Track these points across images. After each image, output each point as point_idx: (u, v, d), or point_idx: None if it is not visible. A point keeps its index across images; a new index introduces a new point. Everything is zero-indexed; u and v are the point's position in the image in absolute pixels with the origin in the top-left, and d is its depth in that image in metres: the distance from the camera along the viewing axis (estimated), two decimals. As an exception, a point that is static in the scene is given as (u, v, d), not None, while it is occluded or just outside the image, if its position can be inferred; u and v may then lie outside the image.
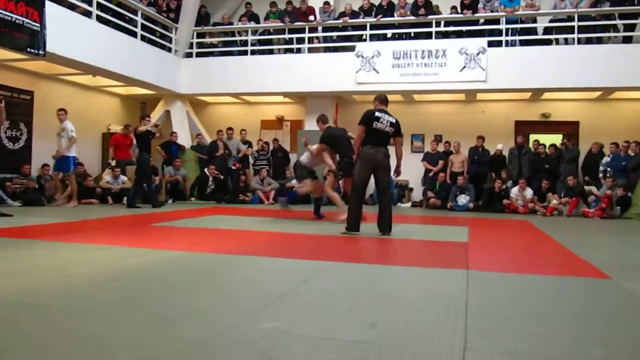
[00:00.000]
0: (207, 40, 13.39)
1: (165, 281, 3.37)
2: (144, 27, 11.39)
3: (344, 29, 12.46)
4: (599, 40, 11.10)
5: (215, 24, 13.27)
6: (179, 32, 12.69)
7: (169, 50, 12.41)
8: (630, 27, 10.99)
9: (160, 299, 2.89)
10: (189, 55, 12.89)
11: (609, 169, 10.56)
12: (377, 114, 5.99)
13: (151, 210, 9.03)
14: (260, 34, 13.12)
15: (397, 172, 6.29)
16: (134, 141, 10.15)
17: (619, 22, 11.06)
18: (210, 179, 11.44)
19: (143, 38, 11.40)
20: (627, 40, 10.92)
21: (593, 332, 2.46)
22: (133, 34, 11.08)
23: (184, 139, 12.67)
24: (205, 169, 11.54)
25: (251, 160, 12.65)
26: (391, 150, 6.09)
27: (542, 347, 2.17)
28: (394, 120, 6.05)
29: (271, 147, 12.97)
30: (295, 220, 7.78)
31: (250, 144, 12.77)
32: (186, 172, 11.83)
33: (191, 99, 13.57)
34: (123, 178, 10.75)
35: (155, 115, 12.94)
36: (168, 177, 11.49)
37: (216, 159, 11.51)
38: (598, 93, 11.88)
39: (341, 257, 4.60)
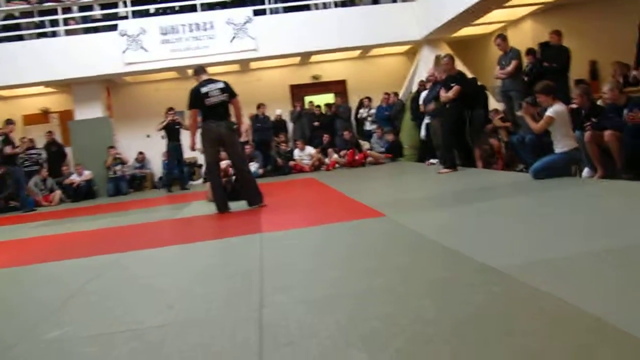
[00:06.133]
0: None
1: None
2: None
3: (104, 6, 11.60)
4: (352, 3, 12.04)
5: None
6: None
7: None
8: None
9: None
10: None
11: (369, 119, 11.73)
12: (202, 89, 5.51)
13: None
14: (5, 19, 11.58)
15: (239, 133, 6.12)
16: None
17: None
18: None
19: None
20: (375, 2, 12.04)
21: (368, 264, 2.74)
22: None
23: None
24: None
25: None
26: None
27: (337, 290, 2.37)
28: (222, 85, 5.59)
29: (41, 144, 11.70)
30: (81, 218, 7.22)
31: (13, 144, 11.32)
32: None
33: None
34: None
35: None
36: None
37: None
38: (359, 52, 12.93)
39: (131, 246, 4.37)
